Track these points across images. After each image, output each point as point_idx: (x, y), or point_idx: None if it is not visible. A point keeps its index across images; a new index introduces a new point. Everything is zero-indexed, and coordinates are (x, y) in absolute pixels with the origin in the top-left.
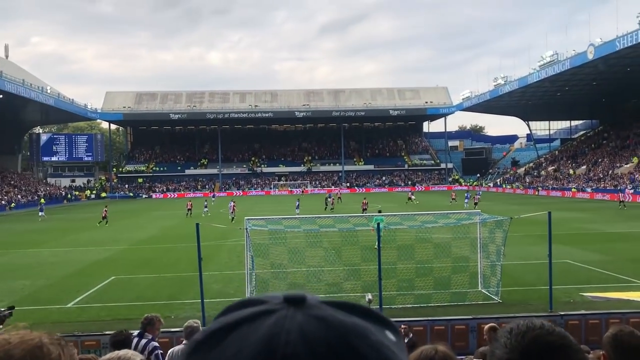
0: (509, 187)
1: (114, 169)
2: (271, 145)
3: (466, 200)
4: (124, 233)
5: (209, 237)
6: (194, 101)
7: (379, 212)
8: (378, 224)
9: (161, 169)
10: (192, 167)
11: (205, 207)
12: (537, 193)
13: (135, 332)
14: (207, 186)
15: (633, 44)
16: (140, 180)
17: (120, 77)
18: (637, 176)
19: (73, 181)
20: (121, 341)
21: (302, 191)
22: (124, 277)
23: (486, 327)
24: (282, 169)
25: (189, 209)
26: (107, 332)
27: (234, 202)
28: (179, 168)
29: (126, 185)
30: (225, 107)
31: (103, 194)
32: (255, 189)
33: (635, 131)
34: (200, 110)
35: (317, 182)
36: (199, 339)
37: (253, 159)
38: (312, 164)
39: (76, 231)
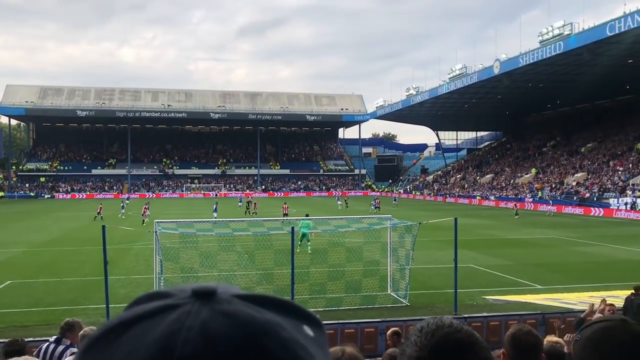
0: (418, 193)
1: (14, 167)
2: (184, 147)
3: (372, 208)
4: (22, 235)
5: (116, 239)
6: (103, 98)
7: (307, 215)
8: (292, 228)
9: (66, 168)
10: (99, 167)
11: (123, 208)
12: (445, 200)
13: (52, 338)
14: (115, 187)
15: (534, 61)
16: (42, 179)
17: (24, 71)
18: (535, 185)
19: None
20: (16, 352)
21: (217, 194)
22: (20, 281)
23: (389, 332)
24: (195, 171)
25: (98, 212)
26: None
27: (147, 204)
28: (85, 168)
29: (27, 185)
30: (137, 105)
31: (0, 194)
32: (166, 191)
33: (535, 143)
34: (109, 107)
35: (232, 186)
36: (94, 336)
37: (164, 160)
38: (226, 167)
39: None
